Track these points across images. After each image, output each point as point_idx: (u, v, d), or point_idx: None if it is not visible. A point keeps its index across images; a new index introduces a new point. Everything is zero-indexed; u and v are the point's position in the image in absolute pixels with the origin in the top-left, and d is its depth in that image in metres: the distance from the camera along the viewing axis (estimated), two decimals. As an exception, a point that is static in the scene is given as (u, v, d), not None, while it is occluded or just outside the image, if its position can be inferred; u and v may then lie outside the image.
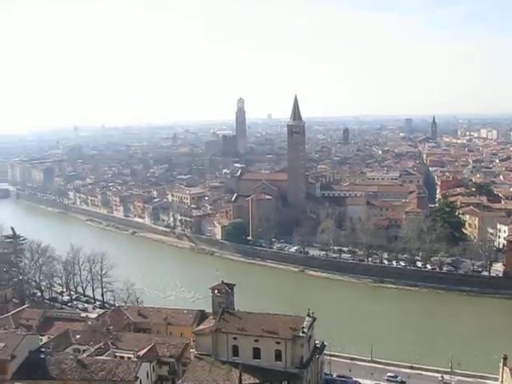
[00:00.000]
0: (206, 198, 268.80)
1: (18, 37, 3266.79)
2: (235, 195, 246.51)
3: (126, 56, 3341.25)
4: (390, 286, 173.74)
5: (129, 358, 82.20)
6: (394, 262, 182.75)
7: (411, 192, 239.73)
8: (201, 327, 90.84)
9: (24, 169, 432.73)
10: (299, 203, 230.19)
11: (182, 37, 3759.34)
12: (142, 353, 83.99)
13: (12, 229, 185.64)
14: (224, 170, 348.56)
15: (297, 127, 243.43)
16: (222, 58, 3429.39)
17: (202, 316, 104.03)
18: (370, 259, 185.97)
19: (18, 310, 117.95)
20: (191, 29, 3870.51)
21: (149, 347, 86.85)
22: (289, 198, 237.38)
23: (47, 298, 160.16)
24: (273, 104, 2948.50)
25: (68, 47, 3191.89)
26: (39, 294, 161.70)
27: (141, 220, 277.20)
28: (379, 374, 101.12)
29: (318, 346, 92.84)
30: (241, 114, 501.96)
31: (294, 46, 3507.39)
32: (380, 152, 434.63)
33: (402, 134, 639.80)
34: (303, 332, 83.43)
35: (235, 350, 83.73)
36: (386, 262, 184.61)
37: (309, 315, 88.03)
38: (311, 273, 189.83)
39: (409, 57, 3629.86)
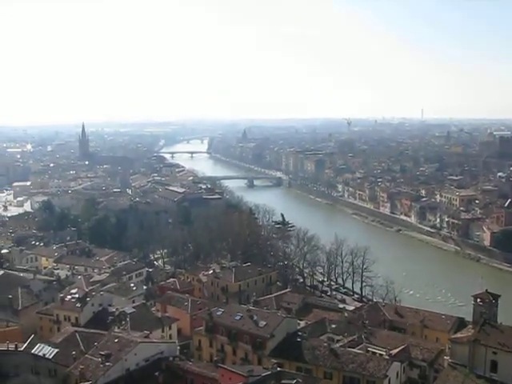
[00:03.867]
0: (477, 202, 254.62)
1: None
2: (509, 201, 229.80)
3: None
4: None
5: (380, 354, 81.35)
6: None
7: None
8: (458, 335, 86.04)
9: (297, 159, 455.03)
10: None
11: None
12: (394, 352, 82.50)
13: (282, 215, 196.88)
14: (499, 174, 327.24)
15: None
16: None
17: (460, 323, 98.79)
18: None
19: (280, 292, 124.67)
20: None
21: (402, 347, 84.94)
22: None
23: (308, 284, 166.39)
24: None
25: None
26: (301, 280, 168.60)
27: (406, 218, 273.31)
28: None
29: None
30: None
31: None
32: None
33: None
34: None
35: (494, 366, 77.76)
36: None
37: None
38: None
39: None
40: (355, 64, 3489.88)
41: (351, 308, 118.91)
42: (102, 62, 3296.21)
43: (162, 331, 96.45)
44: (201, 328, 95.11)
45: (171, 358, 79.88)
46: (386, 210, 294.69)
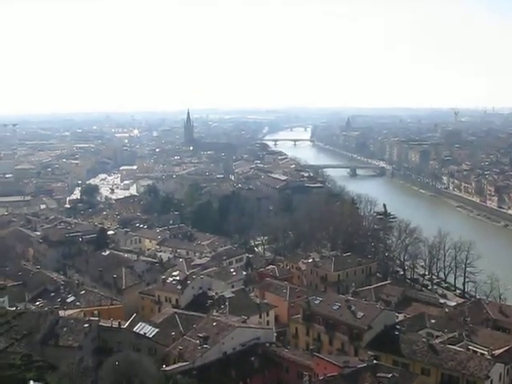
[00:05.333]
0: None
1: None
2: None
3: None
4: None
5: (482, 354, 78.52)
6: None
7: None
8: None
9: (401, 149, 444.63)
10: None
11: None
12: (497, 352, 79.36)
13: (384, 206, 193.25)
14: None
15: None
16: None
17: None
18: None
19: (380, 284, 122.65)
20: None
21: (506, 348, 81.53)
22: None
23: (408, 277, 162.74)
24: None
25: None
26: (401, 272, 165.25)
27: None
28: None
29: None
30: None
31: None
32: None
33: None
34: None
35: None
36: None
37: None
38: None
39: None
40: (463, 50, 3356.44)
41: (452, 304, 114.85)
42: (208, 50, 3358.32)
43: (260, 317, 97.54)
44: (298, 316, 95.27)
45: (267, 344, 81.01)
46: (492, 203, 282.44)
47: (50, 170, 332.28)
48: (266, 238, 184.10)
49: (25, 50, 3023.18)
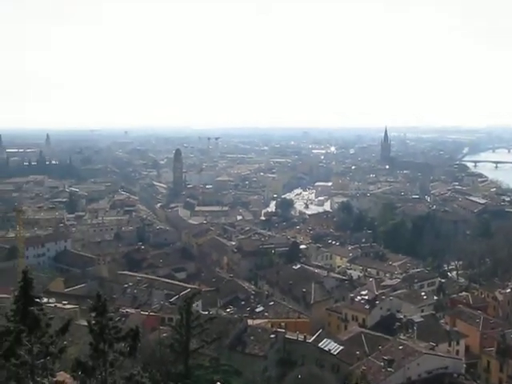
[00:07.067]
0: None
1: None
2: None
3: None
4: None
5: None
6: None
7: None
8: None
9: None
10: None
11: None
12: None
13: None
14: None
15: None
16: None
17: None
18: None
19: None
20: None
21: None
22: None
23: None
24: None
25: None
26: None
27: None
28: None
29: None
30: None
31: None
32: None
33: None
34: None
35: None
36: None
37: None
38: None
39: None
40: None
41: None
42: (390, 63, 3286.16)
43: (449, 345, 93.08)
44: (491, 349, 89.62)
45: (455, 375, 77.28)
46: None
47: (247, 182, 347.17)
48: (460, 262, 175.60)
49: (232, 64, 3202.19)
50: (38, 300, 36.04)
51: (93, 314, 37.62)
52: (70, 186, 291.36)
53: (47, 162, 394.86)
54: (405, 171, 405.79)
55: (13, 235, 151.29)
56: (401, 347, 78.45)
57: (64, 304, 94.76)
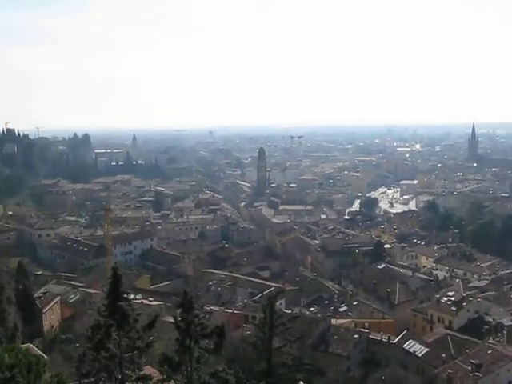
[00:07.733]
0: None
1: None
2: None
3: None
4: None
5: None
6: None
7: None
8: None
9: None
10: None
11: None
12: None
13: None
14: None
15: None
16: None
17: None
18: None
19: None
20: None
21: None
22: None
23: None
24: None
25: None
26: None
27: None
28: None
29: None
30: None
31: None
32: None
33: None
34: None
35: None
36: None
37: None
38: None
39: None
40: None
41: None
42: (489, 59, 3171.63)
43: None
44: None
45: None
46: None
47: (331, 181, 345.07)
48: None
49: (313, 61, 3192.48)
50: (126, 296, 37.44)
51: (179, 311, 38.60)
52: (156, 186, 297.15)
53: (134, 162, 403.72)
54: (494, 169, 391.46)
55: (101, 233, 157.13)
56: (489, 351, 75.84)
57: (150, 300, 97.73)
